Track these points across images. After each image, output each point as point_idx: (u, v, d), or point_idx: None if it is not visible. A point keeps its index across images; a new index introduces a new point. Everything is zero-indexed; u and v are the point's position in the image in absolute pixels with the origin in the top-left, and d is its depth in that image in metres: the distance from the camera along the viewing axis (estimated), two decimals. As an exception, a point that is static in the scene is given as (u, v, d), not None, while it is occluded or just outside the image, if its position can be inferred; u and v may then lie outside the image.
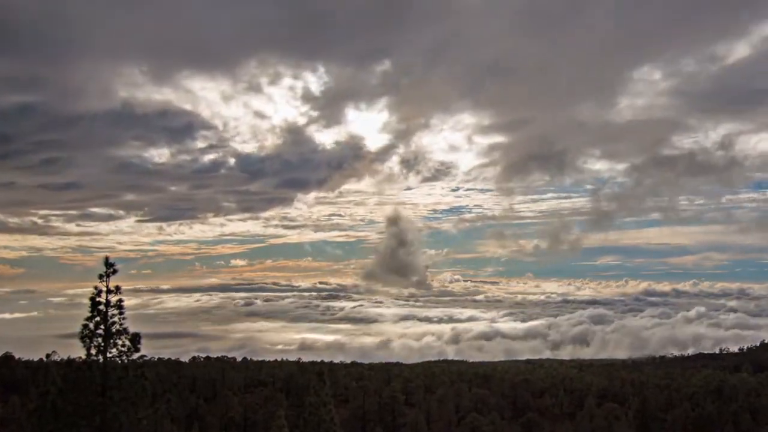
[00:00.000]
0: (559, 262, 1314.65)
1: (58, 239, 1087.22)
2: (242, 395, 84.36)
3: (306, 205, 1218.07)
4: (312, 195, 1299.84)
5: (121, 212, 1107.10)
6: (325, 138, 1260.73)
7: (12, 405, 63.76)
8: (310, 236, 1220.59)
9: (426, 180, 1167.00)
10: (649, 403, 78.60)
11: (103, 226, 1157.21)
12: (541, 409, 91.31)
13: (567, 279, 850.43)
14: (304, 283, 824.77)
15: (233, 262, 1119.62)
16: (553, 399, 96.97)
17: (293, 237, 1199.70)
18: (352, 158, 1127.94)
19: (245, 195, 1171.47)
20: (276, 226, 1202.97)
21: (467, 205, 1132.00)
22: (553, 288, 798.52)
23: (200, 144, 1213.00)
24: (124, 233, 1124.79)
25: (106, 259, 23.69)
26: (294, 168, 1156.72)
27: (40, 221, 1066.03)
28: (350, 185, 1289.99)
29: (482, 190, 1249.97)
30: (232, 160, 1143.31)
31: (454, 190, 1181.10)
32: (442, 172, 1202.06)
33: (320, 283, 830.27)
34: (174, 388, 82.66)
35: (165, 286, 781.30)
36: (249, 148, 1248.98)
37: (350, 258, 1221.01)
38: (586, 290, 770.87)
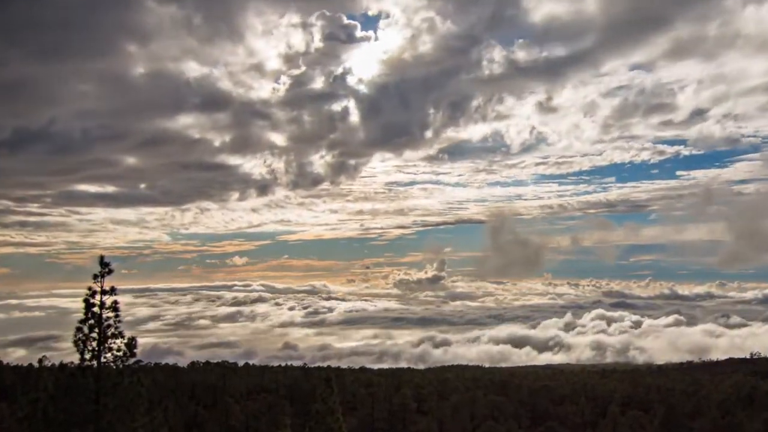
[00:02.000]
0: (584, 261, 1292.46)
1: (43, 233, 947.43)
2: (244, 402, 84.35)
3: (367, 178, 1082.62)
4: (392, 161, 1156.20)
5: (122, 190, 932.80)
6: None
7: (0, 412, 63.89)
8: (334, 232, 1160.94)
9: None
10: (676, 411, 78.07)
11: (97, 214, 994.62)
12: (561, 418, 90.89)
13: (586, 279, 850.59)
14: (300, 285, 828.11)
15: (233, 260, 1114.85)
16: (573, 407, 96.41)
17: (311, 233, 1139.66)
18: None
19: (301, 157, 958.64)
20: (323, 211, 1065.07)
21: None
22: (564, 289, 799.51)
23: (276, 45, 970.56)
24: (124, 223, 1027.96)
25: (101, 258, 23.65)
26: (405, 108, 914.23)
27: (16, 206, 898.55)
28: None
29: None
30: (314, 87, 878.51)
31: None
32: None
33: (316, 284, 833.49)
34: (172, 394, 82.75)
35: (154, 287, 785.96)
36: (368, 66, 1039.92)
37: (358, 257, 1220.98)
38: (601, 291, 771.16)
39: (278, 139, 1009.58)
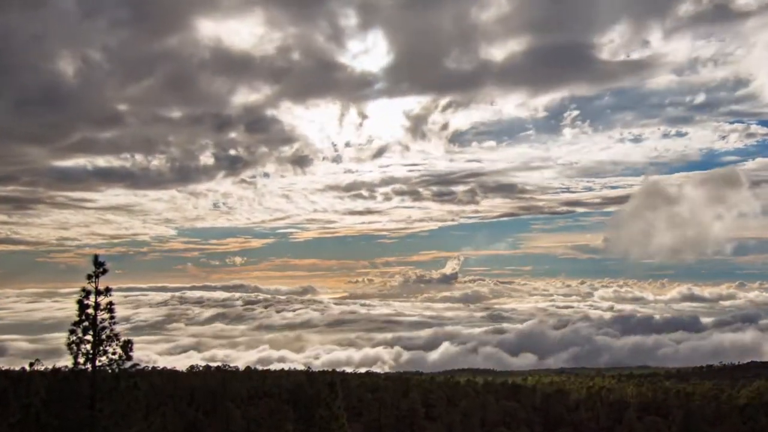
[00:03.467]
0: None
1: (32, 226, 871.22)
2: (245, 407, 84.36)
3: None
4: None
5: (128, 167, 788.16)
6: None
7: (-6, 418, 63.94)
8: (365, 226, 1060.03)
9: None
10: (695, 416, 77.87)
11: (92, 199, 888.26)
12: (576, 424, 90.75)
13: (598, 280, 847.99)
14: (297, 286, 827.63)
15: (233, 260, 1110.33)
16: (589, 412, 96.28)
17: (325, 228, 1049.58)
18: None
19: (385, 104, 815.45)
20: (371, 196, 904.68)
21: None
22: (572, 290, 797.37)
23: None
24: (126, 214, 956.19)
25: (96, 257, 23.59)
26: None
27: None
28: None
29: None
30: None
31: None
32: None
33: (315, 286, 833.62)
34: (170, 399, 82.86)
35: (143, 286, 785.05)
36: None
37: (366, 257, 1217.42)
38: (608, 293, 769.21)
39: (368, 64, 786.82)
